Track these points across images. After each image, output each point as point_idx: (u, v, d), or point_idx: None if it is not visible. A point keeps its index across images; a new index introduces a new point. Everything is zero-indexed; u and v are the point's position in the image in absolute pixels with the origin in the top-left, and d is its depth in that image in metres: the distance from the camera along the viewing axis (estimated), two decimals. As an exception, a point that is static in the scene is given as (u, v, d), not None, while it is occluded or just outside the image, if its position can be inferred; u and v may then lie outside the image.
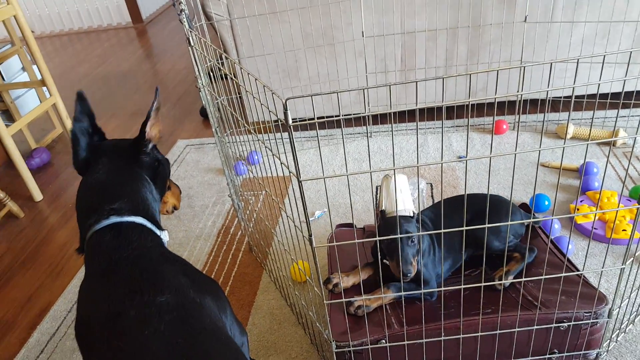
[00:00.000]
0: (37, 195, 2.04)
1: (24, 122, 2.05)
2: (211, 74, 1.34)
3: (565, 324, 0.98)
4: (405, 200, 1.07)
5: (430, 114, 2.16)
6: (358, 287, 1.12)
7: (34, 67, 2.45)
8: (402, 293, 1.05)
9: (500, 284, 1.07)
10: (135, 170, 0.85)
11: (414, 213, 1.07)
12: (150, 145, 0.86)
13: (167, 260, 0.78)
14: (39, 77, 2.30)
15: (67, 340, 1.33)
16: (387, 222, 1.05)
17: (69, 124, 2.29)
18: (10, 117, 2.41)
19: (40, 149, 2.32)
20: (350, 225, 1.39)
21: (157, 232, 0.83)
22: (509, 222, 0.90)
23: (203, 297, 0.74)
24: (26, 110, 2.45)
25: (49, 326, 1.39)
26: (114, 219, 0.78)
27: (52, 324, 1.40)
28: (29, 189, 2.02)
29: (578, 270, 1.08)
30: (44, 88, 2.47)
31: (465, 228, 0.88)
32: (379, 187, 1.11)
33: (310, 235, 0.87)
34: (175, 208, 1.01)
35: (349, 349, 0.99)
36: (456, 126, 2.03)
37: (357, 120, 2.18)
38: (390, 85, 0.73)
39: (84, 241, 0.81)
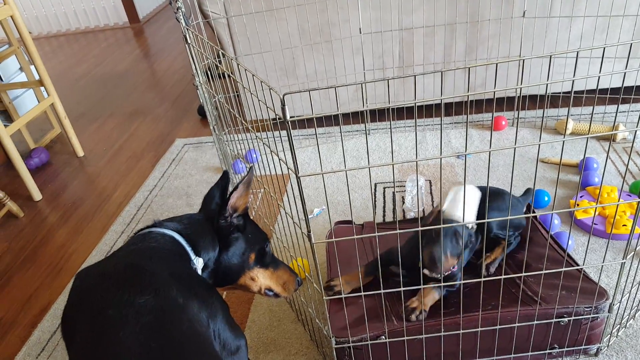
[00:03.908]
0: (37, 194, 2.04)
1: (22, 122, 2.05)
2: (209, 72, 1.34)
3: (566, 319, 0.98)
4: (468, 212, 1.05)
5: (428, 111, 2.15)
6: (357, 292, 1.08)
7: (32, 67, 2.44)
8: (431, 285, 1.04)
9: (486, 272, 1.08)
10: (206, 223, 0.90)
11: (471, 227, 1.06)
12: (234, 214, 0.90)
13: (158, 256, 0.77)
14: (37, 78, 2.30)
15: (66, 340, 1.33)
16: (438, 219, 1.03)
17: (67, 123, 2.28)
18: (8, 118, 2.41)
19: (39, 149, 2.32)
20: (349, 222, 1.39)
21: (191, 253, 0.84)
22: (509, 216, 0.90)
23: (188, 299, 0.73)
24: (24, 111, 2.45)
25: (49, 324, 1.39)
26: (152, 229, 0.84)
27: (53, 322, 1.40)
28: (28, 188, 2.02)
29: (578, 265, 1.08)
30: (42, 88, 2.46)
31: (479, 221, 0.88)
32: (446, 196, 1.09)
33: (309, 232, 0.86)
34: (273, 293, 0.97)
35: (348, 345, 0.99)
36: (455, 123, 2.02)
37: (355, 118, 2.17)
38: (388, 80, 0.73)
39: None
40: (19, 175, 1.98)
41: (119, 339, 0.63)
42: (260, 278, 0.94)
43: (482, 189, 1.21)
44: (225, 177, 0.97)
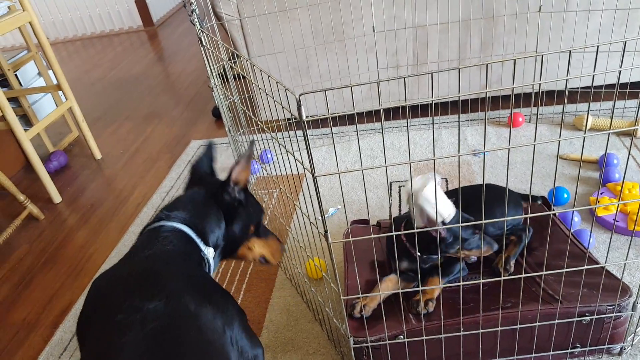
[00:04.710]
0: (56, 197, 2.07)
1: (41, 126, 2.09)
2: (223, 74, 1.35)
3: (588, 318, 0.96)
4: (444, 208, 1.01)
5: (443, 108, 2.13)
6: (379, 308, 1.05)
7: (50, 72, 2.49)
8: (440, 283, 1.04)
9: (506, 271, 1.07)
10: (209, 199, 0.90)
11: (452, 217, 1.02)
12: (236, 188, 0.91)
13: (174, 261, 0.77)
14: (55, 82, 2.34)
15: (87, 340, 1.36)
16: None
17: (84, 127, 2.32)
18: (28, 122, 2.45)
19: (58, 152, 2.36)
20: (365, 221, 1.39)
21: (201, 245, 0.84)
22: (510, 217, 0.88)
23: (202, 306, 0.72)
24: (43, 115, 2.50)
25: (70, 324, 1.42)
26: (161, 223, 0.84)
27: (74, 323, 1.42)
28: (48, 191, 2.06)
29: (599, 263, 1.06)
30: (60, 92, 2.51)
31: (478, 222, 0.87)
32: (406, 198, 1.05)
33: (326, 232, 0.86)
34: (266, 260, 1.00)
35: (366, 344, 0.99)
36: (470, 120, 2.00)
37: (369, 117, 2.17)
38: (404, 78, 0.73)
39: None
40: (39, 178, 2.02)
41: (122, 344, 0.63)
42: (256, 247, 0.97)
43: (479, 187, 1.18)
44: (211, 146, 0.99)
